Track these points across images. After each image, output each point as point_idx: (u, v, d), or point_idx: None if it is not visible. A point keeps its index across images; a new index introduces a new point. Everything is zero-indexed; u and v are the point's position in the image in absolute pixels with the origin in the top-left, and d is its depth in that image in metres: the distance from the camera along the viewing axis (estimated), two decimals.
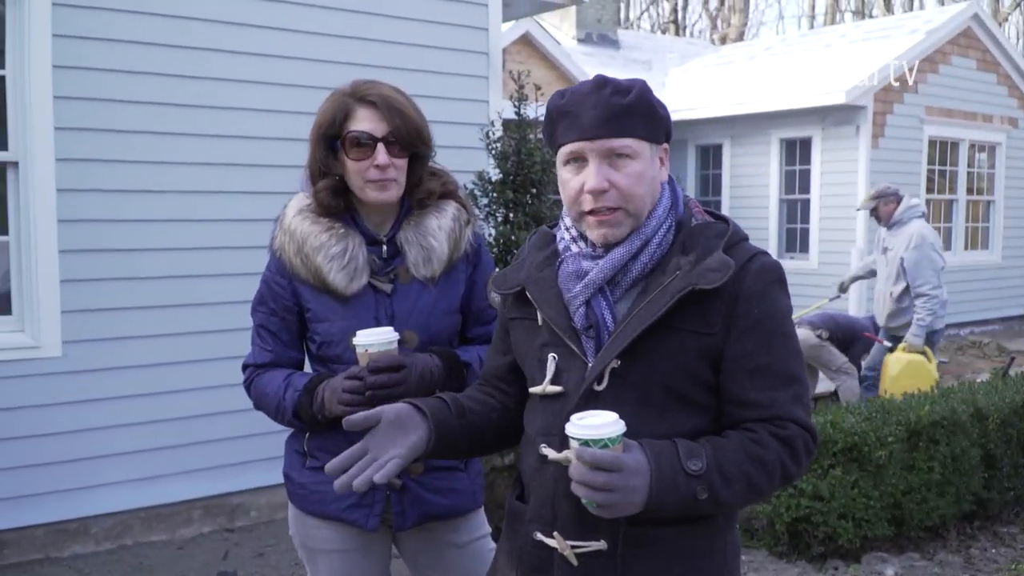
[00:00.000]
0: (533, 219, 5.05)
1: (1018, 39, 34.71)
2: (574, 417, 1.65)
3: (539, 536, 1.86)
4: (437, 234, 2.37)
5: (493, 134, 5.34)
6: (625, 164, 1.79)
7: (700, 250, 1.79)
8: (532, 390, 1.91)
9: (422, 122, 2.34)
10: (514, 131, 5.17)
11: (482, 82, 6.17)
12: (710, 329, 1.77)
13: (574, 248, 1.89)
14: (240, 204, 5.36)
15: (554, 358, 1.87)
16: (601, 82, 1.81)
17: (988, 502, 5.32)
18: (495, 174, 5.26)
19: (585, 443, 1.60)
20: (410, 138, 2.29)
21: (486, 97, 6.15)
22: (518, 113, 5.19)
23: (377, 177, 2.27)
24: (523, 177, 5.12)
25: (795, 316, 6.10)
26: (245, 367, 2.47)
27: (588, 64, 14.63)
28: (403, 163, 2.32)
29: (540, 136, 5.27)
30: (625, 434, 1.66)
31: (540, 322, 1.91)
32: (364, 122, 2.28)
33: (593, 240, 1.85)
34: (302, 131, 5.28)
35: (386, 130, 2.27)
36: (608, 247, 1.84)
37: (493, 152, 5.26)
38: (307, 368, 2.50)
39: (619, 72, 15.71)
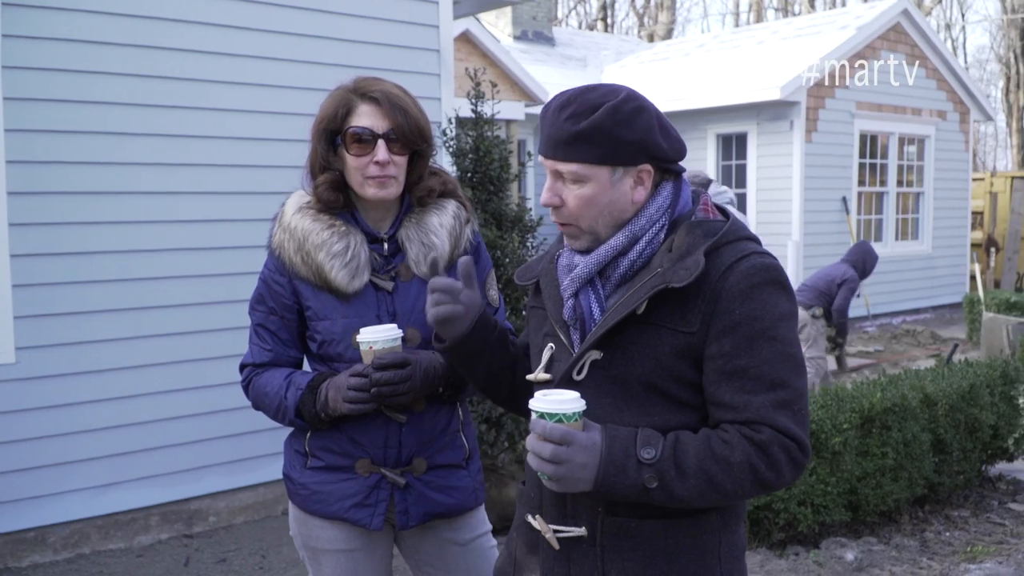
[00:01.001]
0: (493, 217, 5.07)
1: (939, 30, 35.65)
2: (539, 393, 1.73)
3: (528, 517, 1.94)
4: (439, 231, 2.37)
5: (450, 131, 5.35)
6: (573, 187, 1.81)
7: (685, 248, 1.79)
8: (527, 377, 1.98)
9: (424, 120, 2.34)
10: (471, 128, 5.18)
11: (434, 79, 6.16)
12: (688, 328, 1.77)
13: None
14: (199, 205, 5.28)
15: (551, 348, 1.94)
16: (562, 103, 1.81)
17: (939, 486, 5.47)
18: (452, 172, 5.27)
19: (541, 415, 1.70)
20: (411, 135, 2.30)
21: (438, 94, 6.13)
22: (475, 110, 5.21)
23: (377, 174, 2.27)
24: (481, 175, 5.14)
25: None
26: (243, 367, 2.45)
27: (526, 61, 14.68)
28: (403, 160, 2.32)
29: (498, 134, 5.29)
30: (596, 419, 1.76)
31: (548, 313, 1.98)
32: (365, 118, 2.28)
33: None
34: (257, 130, 5.32)
35: (387, 126, 2.27)
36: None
37: (450, 149, 5.26)
38: (305, 367, 2.49)
39: (555, 69, 15.78)
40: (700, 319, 1.76)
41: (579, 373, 1.84)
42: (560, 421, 1.69)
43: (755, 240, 1.88)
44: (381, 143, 2.27)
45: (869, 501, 5.00)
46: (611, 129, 1.76)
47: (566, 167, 1.80)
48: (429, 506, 2.39)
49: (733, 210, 7.31)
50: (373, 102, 2.28)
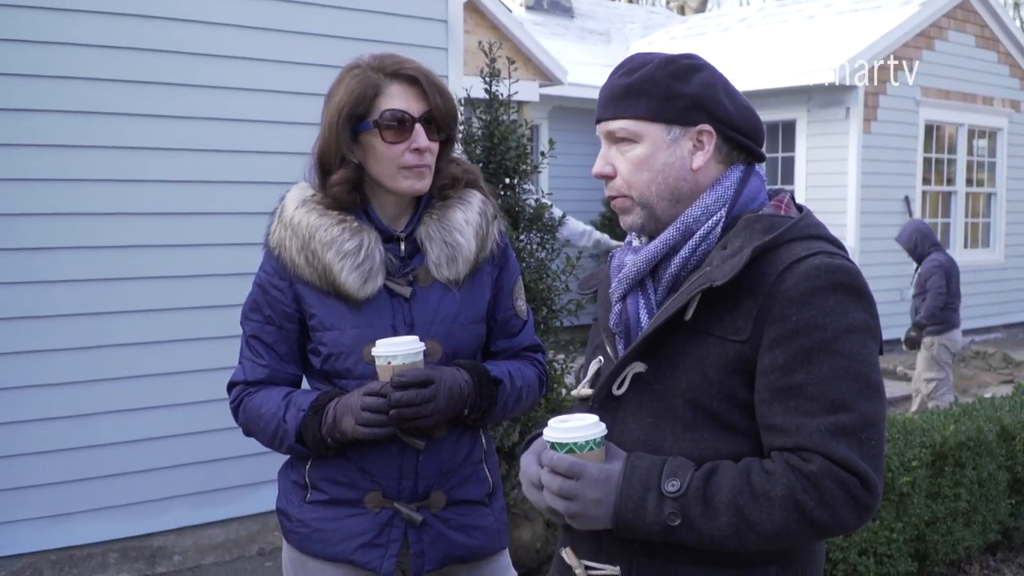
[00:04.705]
0: (508, 214, 5.05)
1: (1006, 7, 35.62)
2: (553, 420, 1.75)
3: (562, 552, 1.95)
4: (464, 230, 2.37)
5: (460, 113, 5.33)
6: (626, 148, 1.87)
7: (739, 244, 1.77)
8: (572, 393, 2.02)
9: (455, 103, 2.36)
10: (485, 111, 5.17)
11: (440, 54, 6.14)
12: (738, 336, 1.75)
13: (636, 242, 1.97)
14: (171, 195, 5.26)
15: (599, 361, 1.98)
16: (620, 64, 1.92)
17: (1014, 531, 5.47)
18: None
19: (553, 446, 1.72)
20: (448, 119, 2.32)
21: (445, 72, 6.11)
22: (488, 90, 5.19)
23: (414, 163, 2.27)
24: (496, 165, 5.12)
25: None
26: (233, 384, 2.43)
27: (541, 34, 14.68)
28: (437, 148, 2.33)
29: (514, 118, 5.28)
30: (635, 442, 1.78)
31: (599, 322, 2.03)
32: (398, 100, 2.28)
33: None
34: (235, 110, 5.30)
35: (424, 109, 2.28)
36: (650, 238, 1.92)
37: (459, 135, 5.25)
38: (304, 385, 2.48)
39: (574, 44, 15.79)
40: (752, 326, 1.74)
41: (619, 387, 1.85)
42: (571, 451, 1.70)
43: (832, 241, 1.85)
44: (419, 128, 2.27)
45: (938, 549, 4.97)
46: (663, 79, 1.84)
47: (616, 124, 1.87)
48: (448, 548, 2.37)
49: None
50: (407, 81, 2.29)
